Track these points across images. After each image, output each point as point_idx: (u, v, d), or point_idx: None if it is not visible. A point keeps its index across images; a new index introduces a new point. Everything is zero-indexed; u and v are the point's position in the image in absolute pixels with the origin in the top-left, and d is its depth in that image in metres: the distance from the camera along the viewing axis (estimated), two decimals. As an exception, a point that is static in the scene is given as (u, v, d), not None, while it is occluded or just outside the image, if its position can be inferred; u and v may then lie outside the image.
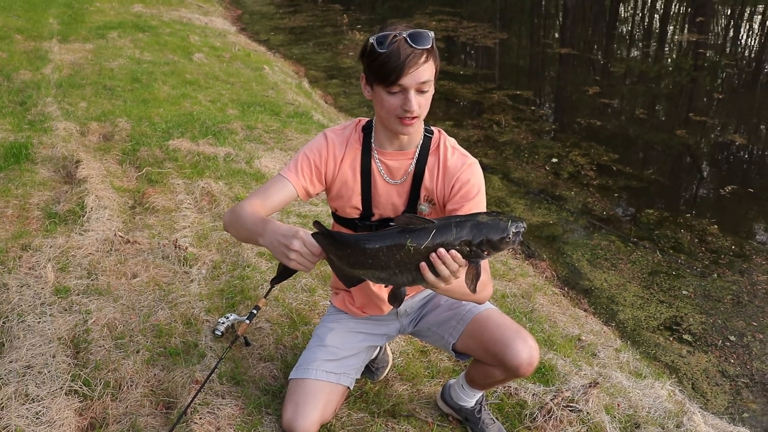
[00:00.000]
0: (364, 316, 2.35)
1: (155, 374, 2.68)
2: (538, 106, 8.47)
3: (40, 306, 3.01)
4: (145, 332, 2.92)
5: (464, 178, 2.01)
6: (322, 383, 2.21)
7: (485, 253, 1.63)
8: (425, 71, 1.82)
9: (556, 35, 13.29)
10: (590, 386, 2.69)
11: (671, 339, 3.73)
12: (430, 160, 2.06)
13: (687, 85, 9.53)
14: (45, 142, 4.95)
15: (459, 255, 1.61)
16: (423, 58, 1.80)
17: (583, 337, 3.31)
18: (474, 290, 1.66)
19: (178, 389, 2.58)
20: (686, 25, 13.92)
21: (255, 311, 2.90)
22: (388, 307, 2.27)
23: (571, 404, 2.61)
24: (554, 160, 6.22)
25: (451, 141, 2.09)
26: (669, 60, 11.01)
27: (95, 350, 2.75)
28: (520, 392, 2.69)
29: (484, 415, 2.46)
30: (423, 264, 1.63)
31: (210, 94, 6.82)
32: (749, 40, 12.75)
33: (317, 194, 2.14)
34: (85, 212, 3.86)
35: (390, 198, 2.10)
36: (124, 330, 2.92)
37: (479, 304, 2.17)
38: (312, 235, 1.75)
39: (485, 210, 1.98)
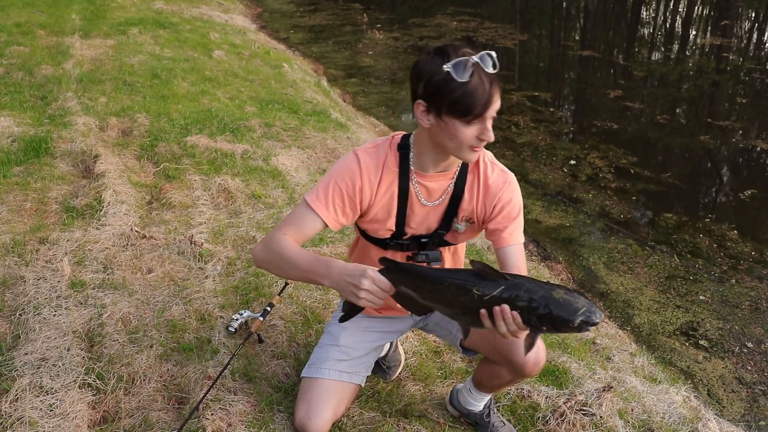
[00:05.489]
0: (379, 315, 2.34)
1: (168, 369, 2.69)
2: (557, 108, 8.42)
3: (56, 299, 3.03)
4: (159, 327, 2.94)
5: (506, 198, 1.98)
6: (335, 383, 2.21)
7: (543, 327, 1.60)
8: (499, 96, 1.76)
9: (577, 37, 13.20)
10: (604, 390, 2.67)
11: (687, 344, 3.69)
12: (469, 178, 2.00)
13: (709, 88, 9.42)
14: (64, 136, 5.00)
15: (519, 318, 1.59)
16: (497, 84, 1.74)
17: (598, 341, 3.28)
18: (524, 356, 1.70)
19: (191, 385, 2.59)
20: (709, 28, 13.76)
21: (269, 308, 2.91)
22: None
23: (584, 408, 2.59)
24: (572, 162, 6.18)
25: (489, 156, 2.02)
26: (691, 63, 10.89)
27: (109, 344, 2.77)
28: (533, 395, 2.67)
29: (494, 418, 2.45)
30: (483, 312, 1.63)
31: (229, 91, 6.85)
32: (773, 43, 12.58)
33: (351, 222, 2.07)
34: (103, 207, 3.89)
35: (426, 219, 2.05)
36: (139, 325, 2.93)
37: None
38: (380, 271, 1.74)
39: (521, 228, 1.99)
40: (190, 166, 4.63)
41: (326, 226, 1.97)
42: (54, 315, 2.91)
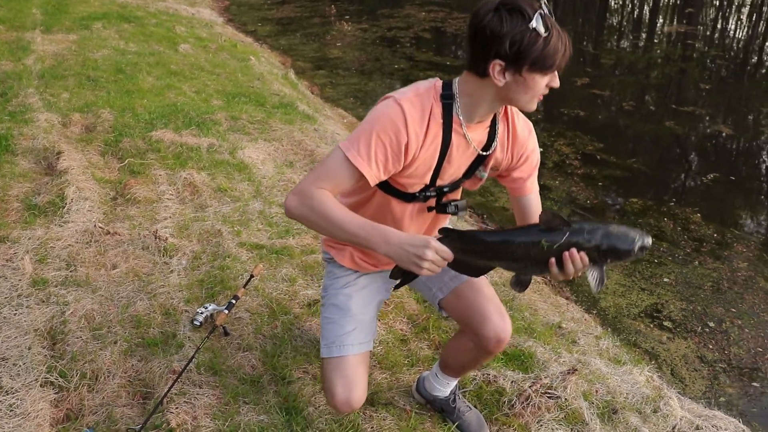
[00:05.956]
0: (376, 270, 2.24)
1: (133, 365, 2.67)
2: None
3: (17, 298, 2.99)
4: (123, 323, 2.91)
5: (531, 147, 2.04)
6: (360, 355, 2.15)
7: (608, 260, 1.75)
8: None
9: (545, 25, 13.25)
10: (569, 373, 2.70)
11: (652, 326, 3.75)
12: (500, 127, 1.96)
13: (676, 76, 9.54)
14: (26, 133, 4.91)
15: (587, 257, 1.71)
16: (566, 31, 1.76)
17: (564, 325, 3.32)
18: (597, 291, 1.80)
19: (156, 379, 2.58)
20: (675, 16, 13.93)
21: (234, 301, 2.90)
22: None
23: (549, 391, 2.62)
24: (539, 149, 6.22)
25: None
26: (658, 51, 11.02)
27: (72, 341, 2.75)
28: (498, 379, 2.70)
29: (459, 403, 2.47)
30: (552, 260, 1.74)
31: (195, 85, 6.78)
32: (737, 31, 12.78)
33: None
34: (66, 204, 3.83)
35: (458, 170, 1.98)
36: (102, 321, 2.91)
37: None
38: (441, 240, 1.77)
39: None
40: (155, 161, 4.58)
41: (364, 181, 1.83)
42: (14, 314, 2.87)
